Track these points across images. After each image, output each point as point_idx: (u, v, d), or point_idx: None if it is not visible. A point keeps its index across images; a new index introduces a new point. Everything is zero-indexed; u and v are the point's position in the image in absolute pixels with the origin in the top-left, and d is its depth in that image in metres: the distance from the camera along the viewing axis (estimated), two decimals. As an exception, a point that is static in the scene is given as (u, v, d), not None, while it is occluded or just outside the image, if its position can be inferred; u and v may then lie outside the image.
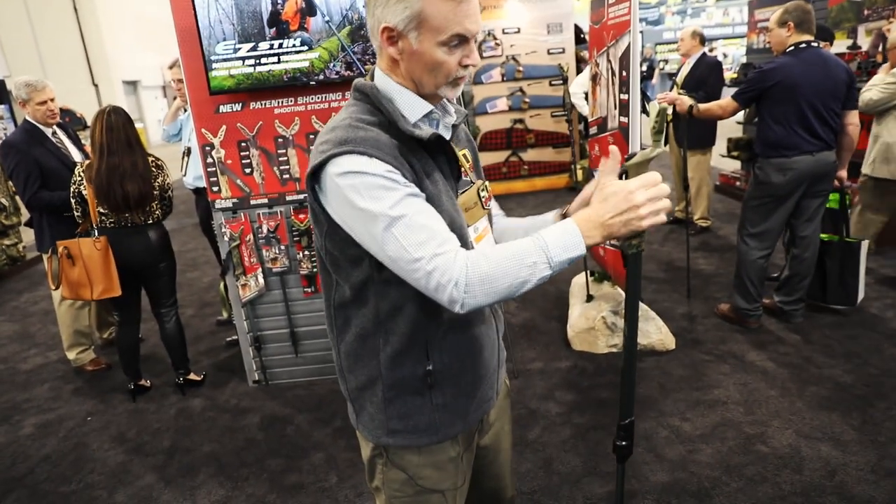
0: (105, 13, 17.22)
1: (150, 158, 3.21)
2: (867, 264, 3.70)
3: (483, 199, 1.27)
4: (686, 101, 3.63)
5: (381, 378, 1.22)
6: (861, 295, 3.67)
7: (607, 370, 3.31)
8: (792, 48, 3.26)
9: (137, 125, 4.12)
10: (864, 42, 4.85)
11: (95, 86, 17.22)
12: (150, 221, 3.22)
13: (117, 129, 3.05)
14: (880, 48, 4.68)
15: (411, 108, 1.15)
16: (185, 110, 4.08)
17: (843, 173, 3.56)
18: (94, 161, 3.06)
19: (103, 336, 4.17)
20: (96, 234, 3.11)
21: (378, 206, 1.02)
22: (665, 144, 5.35)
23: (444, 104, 1.23)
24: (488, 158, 7.73)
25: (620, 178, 1.10)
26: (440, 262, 1.01)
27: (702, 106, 3.58)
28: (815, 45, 3.25)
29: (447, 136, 1.22)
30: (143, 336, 3.98)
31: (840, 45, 5.01)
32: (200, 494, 2.61)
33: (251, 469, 2.76)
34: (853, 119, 3.33)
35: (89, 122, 3.25)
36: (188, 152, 3.88)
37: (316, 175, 1.09)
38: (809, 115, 3.20)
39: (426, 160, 1.13)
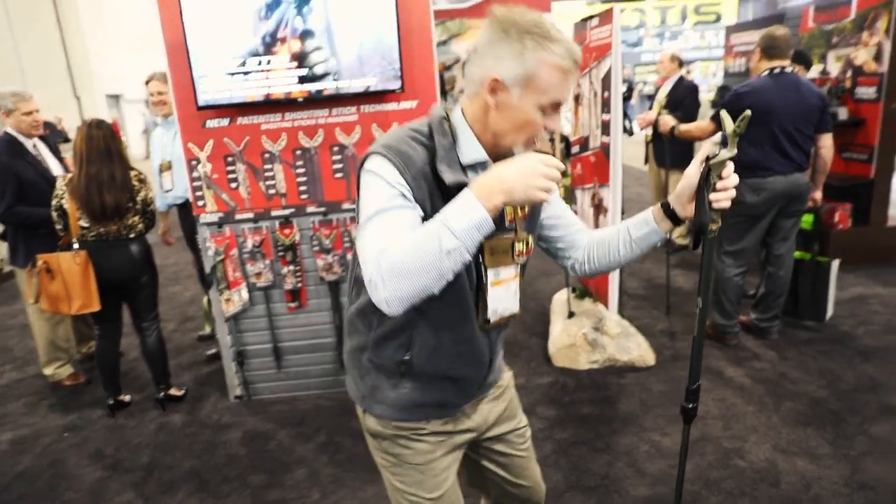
0: (89, 25, 17.12)
1: (134, 172, 3.21)
2: (837, 282, 3.81)
3: (515, 252, 1.31)
4: (669, 121, 3.72)
5: (367, 351, 1.37)
6: (830, 311, 3.78)
7: (589, 386, 3.35)
8: (767, 72, 3.37)
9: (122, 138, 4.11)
10: (834, 68, 5.01)
11: (77, 98, 17.07)
12: (132, 235, 3.21)
13: (97, 139, 3.05)
14: (849, 74, 4.83)
15: (469, 149, 1.23)
16: (156, 124, 4.07)
17: (818, 194, 3.66)
18: (74, 172, 3.07)
19: (82, 350, 4.11)
20: (77, 247, 3.09)
21: (374, 200, 1.14)
22: (652, 164, 5.48)
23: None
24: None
25: (706, 174, 1.24)
26: (376, 251, 1.08)
27: (682, 127, 3.67)
28: (788, 69, 3.36)
29: None
30: (123, 350, 3.94)
31: (812, 70, 5.17)
32: (181, 511, 2.59)
33: (233, 485, 2.74)
34: (826, 142, 3.44)
35: (70, 136, 3.24)
36: (167, 166, 3.85)
37: (362, 162, 1.23)
38: (782, 138, 3.30)
39: (451, 198, 1.15)
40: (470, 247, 1.05)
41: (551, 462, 2.72)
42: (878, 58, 4.54)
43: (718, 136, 1.16)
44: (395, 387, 1.36)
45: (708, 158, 1.25)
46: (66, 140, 6.78)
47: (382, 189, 1.15)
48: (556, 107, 1.19)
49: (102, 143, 3.06)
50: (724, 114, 1.27)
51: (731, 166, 1.25)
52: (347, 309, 1.42)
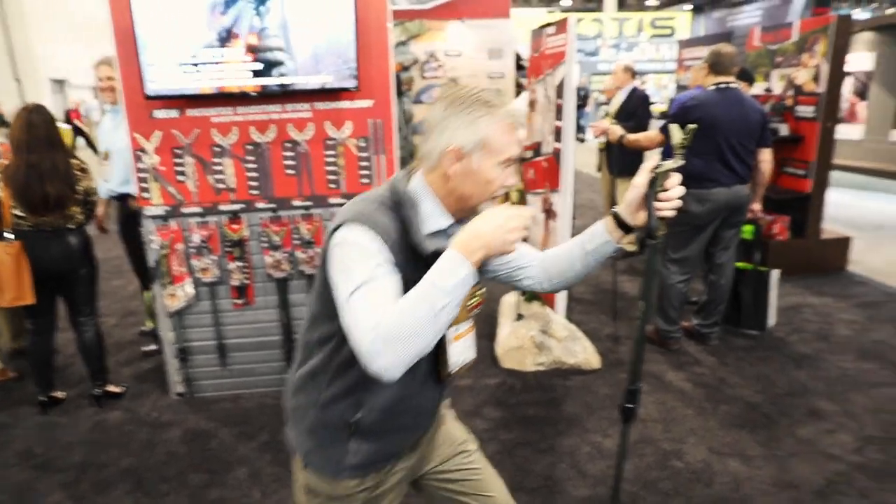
0: (33, 7, 16.42)
1: (75, 162, 3.10)
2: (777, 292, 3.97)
3: (470, 306, 1.36)
4: (618, 130, 3.81)
5: (314, 410, 1.38)
6: (772, 320, 3.93)
7: (535, 388, 3.40)
8: (713, 87, 3.49)
9: (63, 126, 3.97)
10: (777, 86, 5.22)
11: (18, 81, 16.34)
12: (71, 226, 3.10)
13: (38, 127, 2.93)
14: (790, 93, 5.04)
15: (432, 218, 1.30)
16: (104, 111, 3.94)
17: (757, 206, 3.81)
18: (11, 160, 2.93)
19: (14, 346, 3.94)
20: (12, 237, 2.97)
21: (358, 271, 1.16)
22: (611, 172, 5.59)
23: (463, 223, 1.33)
24: (427, 177, 7.80)
25: (651, 183, 1.31)
26: (371, 322, 1.09)
27: (630, 136, 3.77)
28: (733, 85, 3.49)
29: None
30: (59, 345, 3.79)
31: (757, 87, 5.37)
32: (115, 511, 2.51)
33: (171, 484, 2.67)
34: (766, 156, 3.59)
35: (9, 120, 3.11)
36: (106, 156, 3.73)
37: (333, 231, 1.25)
38: (726, 151, 3.43)
39: (421, 269, 1.18)
40: (458, 302, 1.11)
41: (496, 463, 2.73)
42: (816, 79, 4.75)
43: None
44: (342, 446, 1.38)
45: (654, 168, 1.31)
46: (4, 123, 6.47)
47: (364, 259, 1.17)
48: (510, 162, 1.29)
49: (43, 130, 2.94)
50: (672, 126, 1.32)
51: (676, 177, 1.31)
52: (294, 370, 1.44)
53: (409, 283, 1.17)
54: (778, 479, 2.59)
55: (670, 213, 1.32)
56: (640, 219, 1.36)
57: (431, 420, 1.50)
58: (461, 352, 1.37)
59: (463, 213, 1.32)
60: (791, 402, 3.19)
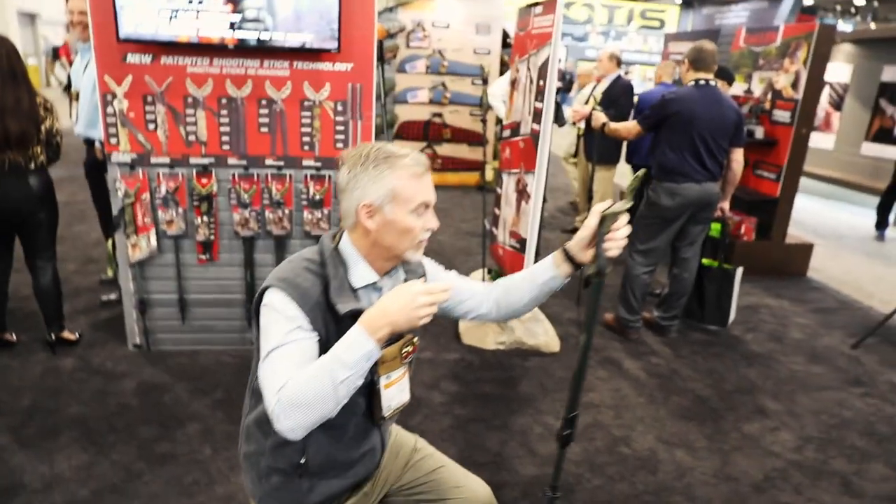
0: (5, -67, 15.64)
1: (39, 99, 2.98)
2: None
3: (404, 354, 1.41)
4: (601, 117, 3.82)
5: (264, 457, 1.43)
6: (732, 317, 4.04)
7: (494, 366, 3.43)
8: (693, 83, 3.52)
9: (30, 62, 3.81)
10: (757, 88, 5.28)
11: (-16, 11, 15.62)
12: (33, 167, 3.00)
13: (1, 58, 2.81)
14: (769, 96, 5.11)
15: (360, 276, 1.37)
16: (76, 51, 3.79)
17: (726, 204, 3.88)
18: None
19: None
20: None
21: (274, 334, 1.24)
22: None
23: (395, 272, 1.46)
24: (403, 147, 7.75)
25: (600, 224, 1.38)
26: (277, 385, 1.17)
27: (611, 125, 3.78)
28: (712, 83, 3.52)
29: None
30: (13, 287, 3.69)
31: (737, 87, 5.43)
32: (60, 458, 2.48)
33: (120, 435, 2.65)
34: (738, 156, 3.64)
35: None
36: (76, 97, 3.61)
37: (261, 293, 1.33)
38: (700, 148, 3.47)
39: (345, 324, 1.26)
40: (361, 374, 1.18)
41: (448, 436, 2.79)
42: (795, 85, 4.82)
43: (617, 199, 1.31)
44: (296, 487, 1.44)
45: (605, 210, 1.38)
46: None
47: (281, 323, 1.24)
48: (426, 207, 1.35)
49: (6, 62, 2.81)
50: (635, 176, 1.40)
51: (624, 218, 1.39)
52: (245, 416, 1.49)
53: (330, 341, 1.25)
54: (720, 471, 2.68)
55: (615, 253, 1.39)
56: (587, 256, 1.45)
57: (381, 454, 1.55)
58: (394, 396, 1.43)
59: (393, 261, 1.40)
60: (739, 398, 3.28)
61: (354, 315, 1.26)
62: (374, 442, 1.49)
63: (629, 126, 3.71)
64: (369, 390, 1.37)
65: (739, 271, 3.98)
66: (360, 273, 1.37)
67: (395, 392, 1.43)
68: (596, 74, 5.91)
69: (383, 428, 1.51)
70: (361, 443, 1.45)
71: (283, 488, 1.44)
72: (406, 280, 1.47)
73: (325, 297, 1.30)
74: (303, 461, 1.39)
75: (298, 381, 1.15)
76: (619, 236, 1.38)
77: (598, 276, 1.40)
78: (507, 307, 1.59)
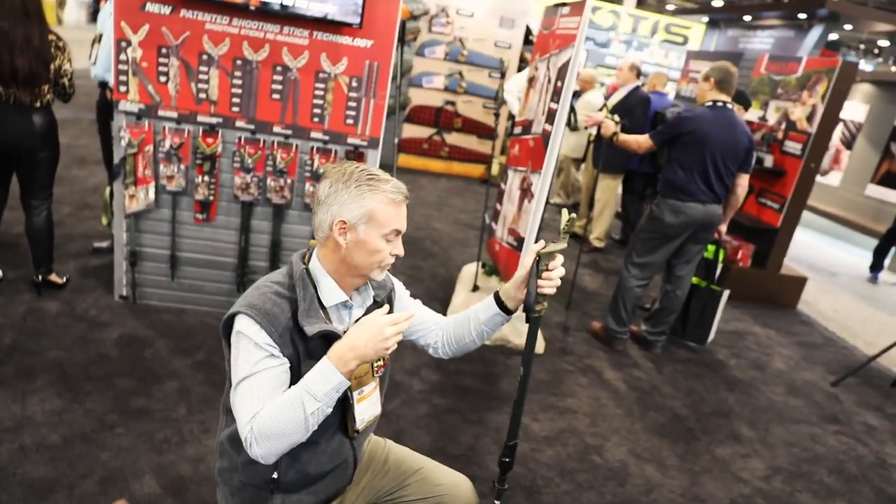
0: None
1: (52, 37, 2.94)
2: (723, 314, 4.07)
3: (376, 368, 1.47)
4: (611, 126, 3.79)
5: (237, 473, 1.44)
6: (711, 336, 4.06)
7: (476, 360, 3.43)
8: (710, 104, 3.50)
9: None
10: (772, 117, 5.27)
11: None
12: (38, 105, 2.96)
13: None
14: (783, 126, 5.10)
15: (330, 294, 1.39)
16: None
17: (723, 228, 3.87)
18: None
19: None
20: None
21: (244, 362, 1.26)
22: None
23: (365, 289, 1.50)
24: (412, 132, 7.71)
25: (535, 264, 1.45)
26: (247, 417, 1.23)
27: (622, 136, 3.76)
28: (729, 106, 3.50)
29: (360, 314, 1.45)
30: (5, 223, 3.67)
31: (752, 114, 5.41)
32: (33, 401, 2.47)
33: (96, 385, 2.64)
34: (743, 182, 3.63)
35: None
36: (99, 39, 3.58)
37: (229, 321, 1.34)
38: (710, 169, 3.46)
39: (314, 343, 1.33)
40: (330, 404, 1.24)
41: (423, 424, 2.79)
42: (810, 118, 4.81)
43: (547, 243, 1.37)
44: (266, 502, 1.45)
45: (540, 250, 1.45)
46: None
47: (251, 351, 1.27)
48: (397, 234, 1.39)
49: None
50: (564, 212, 1.47)
51: (559, 259, 1.47)
52: (220, 432, 1.50)
53: (301, 361, 1.32)
54: (687, 490, 2.69)
55: (550, 292, 1.46)
56: (517, 300, 1.52)
57: (353, 468, 1.56)
58: (366, 410, 1.46)
59: (360, 279, 1.43)
60: (715, 421, 3.30)
61: (323, 336, 1.31)
62: (346, 455, 1.50)
63: (640, 140, 3.68)
64: (343, 405, 1.40)
65: (726, 294, 4.01)
66: (331, 292, 1.40)
67: (368, 406, 1.46)
68: (615, 83, 5.88)
69: (356, 442, 1.52)
70: (334, 457, 1.46)
71: (256, 503, 1.46)
72: (375, 295, 1.51)
73: (293, 320, 1.32)
74: (275, 476, 1.41)
75: (270, 411, 1.21)
76: (554, 276, 1.46)
77: (530, 312, 1.47)
78: (456, 343, 1.62)
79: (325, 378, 1.22)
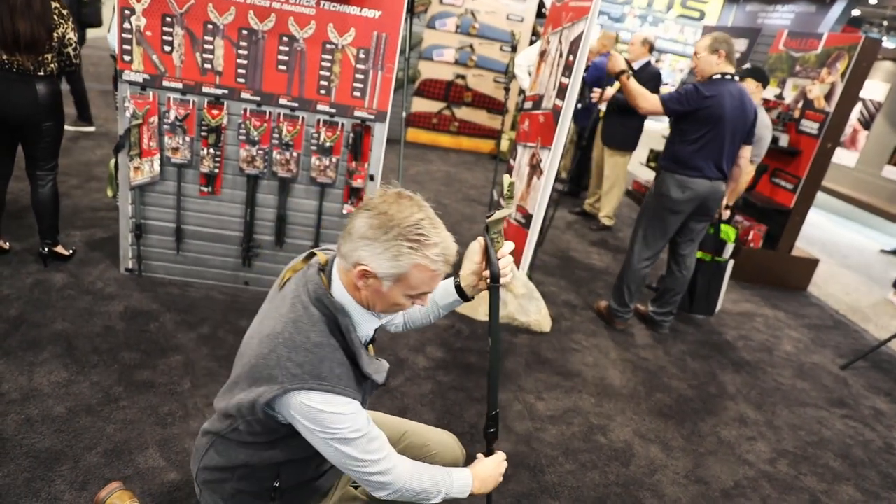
0: None
1: (55, 5, 2.89)
2: (732, 295, 4.03)
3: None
4: (620, 61, 3.49)
5: (230, 482, 1.43)
6: (719, 306, 4.04)
7: (482, 337, 3.42)
8: (718, 77, 3.37)
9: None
10: (789, 95, 5.15)
11: None
12: (42, 73, 2.93)
13: None
14: (800, 104, 4.99)
15: (362, 327, 1.36)
16: None
17: (724, 205, 3.78)
18: None
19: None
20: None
21: (350, 429, 1.25)
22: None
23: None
24: (422, 105, 7.63)
25: (484, 232, 1.46)
26: (384, 465, 1.31)
27: (632, 82, 3.48)
28: (735, 78, 3.39)
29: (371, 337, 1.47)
30: (12, 194, 3.66)
31: (769, 91, 5.29)
32: (40, 372, 2.48)
33: (102, 357, 2.64)
34: (745, 153, 3.53)
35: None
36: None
37: (289, 392, 1.22)
38: (722, 147, 3.36)
39: (368, 388, 1.38)
40: (446, 498, 1.43)
41: (427, 401, 2.78)
42: (829, 97, 4.69)
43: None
44: None
45: (487, 216, 1.46)
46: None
47: (347, 419, 1.24)
48: (425, 294, 1.31)
49: None
50: (505, 177, 1.46)
51: (509, 246, 1.50)
52: (208, 435, 1.47)
53: (363, 401, 1.34)
54: (691, 472, 2.68)
55: (510, 279, 1.49)
56: (477, 287, 1.54)
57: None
58: None
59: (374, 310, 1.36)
60: (721, 403, 3.28)
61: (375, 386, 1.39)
62: None
63: (650, 98, 3.43)
64: None
65: (731, 264, 3.99)
66: (362, 326, 1.37)
67: None
68: (627, 57, 5.75)
69: None
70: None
71: None
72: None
73: (356, 370, 1.30)
74: (277, 484, 1.41)
75: (411, 474, 1.36)
76: (504, 263, 1.46)
77: (495, 280, 1.47)
78: (414, 322, 1.67)
79: (462, 490, 1.44)
